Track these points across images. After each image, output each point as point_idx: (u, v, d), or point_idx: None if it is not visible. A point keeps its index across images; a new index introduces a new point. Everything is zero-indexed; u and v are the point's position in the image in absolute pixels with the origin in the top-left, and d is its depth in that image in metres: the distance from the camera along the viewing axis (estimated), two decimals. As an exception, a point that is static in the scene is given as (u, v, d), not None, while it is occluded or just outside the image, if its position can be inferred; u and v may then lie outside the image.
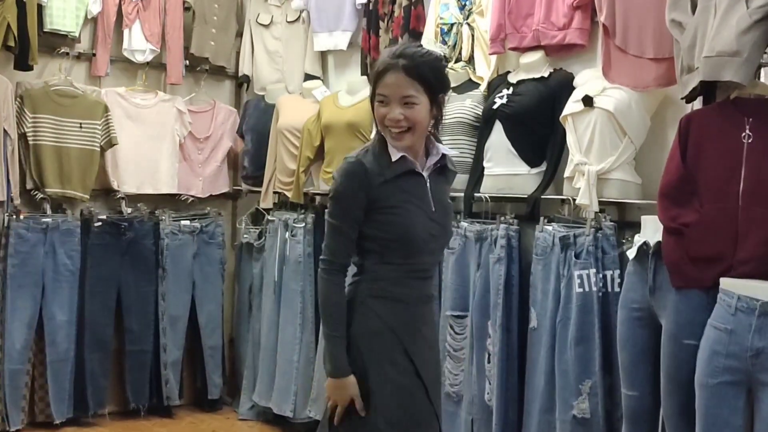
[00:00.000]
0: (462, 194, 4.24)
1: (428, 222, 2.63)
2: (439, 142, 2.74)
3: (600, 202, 3.67)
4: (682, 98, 3.28)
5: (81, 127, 5.16)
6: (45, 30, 5.06)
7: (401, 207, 2.59)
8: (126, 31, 5.45)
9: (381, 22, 4.95)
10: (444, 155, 2.71)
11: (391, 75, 2.54)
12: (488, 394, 3.99)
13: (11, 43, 4.79)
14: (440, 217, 2.68)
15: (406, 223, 2.59)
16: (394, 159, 2.59)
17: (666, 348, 3.09)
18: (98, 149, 5.25)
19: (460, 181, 4.15)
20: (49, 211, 5.12)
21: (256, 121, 5.67)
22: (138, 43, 5.49)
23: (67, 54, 5.25)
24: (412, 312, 2.66)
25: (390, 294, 2.62)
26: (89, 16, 5.29)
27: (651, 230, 3.26)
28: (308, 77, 5.59)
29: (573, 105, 3.77)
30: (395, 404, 2.59)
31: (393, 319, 2.62)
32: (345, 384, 2.57)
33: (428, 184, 2.67)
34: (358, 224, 2.58)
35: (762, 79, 3.29)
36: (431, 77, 2.56)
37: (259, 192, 5.57)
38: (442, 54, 2.66)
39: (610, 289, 3.64)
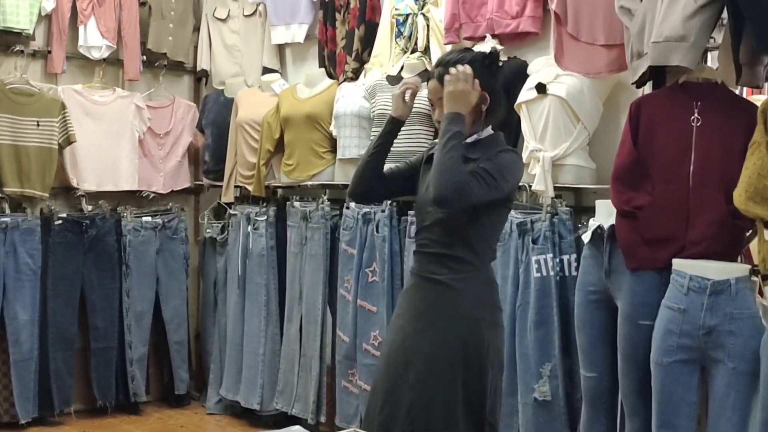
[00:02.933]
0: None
1: None
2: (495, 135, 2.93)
3: (555, 188, 3.71)
4: (632, 83, 3.34)
5: (38, 125, 5.11)
6: (-2, 28, 5.02)
7: None
8: (81, 28, 5.40)
9: (337, 14, 4.95)
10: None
11: (430, 83, 2.90)
12: (452, 380, 4.03)
13: (-36, 43, 4.75)
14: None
15: None
16: None
17: (622, 329, 3.15)
18: (56, 147, 5.19)
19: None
20: (8, 211, 5.07)
21: (216, 115, 5.65)
22: (94, 40, 5.44)
23: (22, 52, 5.19)
24: None
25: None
26: (43, 14, 5.23)
27: (605, 214, 3.31)
28: (266, 70, 5.57)
29: (527, 93, 3.80)
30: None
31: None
32: None
33: None
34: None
35: (709, 63, 3.36)
36: None
37: (221, 186, 5.56)
38: (488, 51, 2.88)
39: (567, 273, 3.68)
